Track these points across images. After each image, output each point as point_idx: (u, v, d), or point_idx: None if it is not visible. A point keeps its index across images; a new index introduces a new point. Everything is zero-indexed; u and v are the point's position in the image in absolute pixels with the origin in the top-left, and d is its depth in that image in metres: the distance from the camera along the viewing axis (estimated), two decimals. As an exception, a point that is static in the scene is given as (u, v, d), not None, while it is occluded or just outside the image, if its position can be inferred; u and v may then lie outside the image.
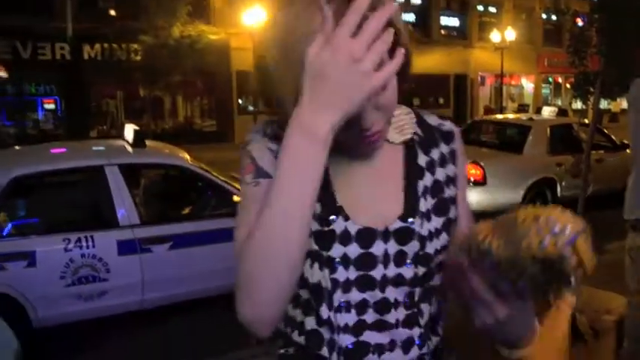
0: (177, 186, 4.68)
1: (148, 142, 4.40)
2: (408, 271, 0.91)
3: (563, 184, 7.33)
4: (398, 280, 0.91)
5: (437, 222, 0.95)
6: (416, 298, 0.93)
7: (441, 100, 25.38)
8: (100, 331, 3.80)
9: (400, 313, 0.92)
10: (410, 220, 0.92)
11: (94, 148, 4.67)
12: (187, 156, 4.39)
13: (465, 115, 25.13)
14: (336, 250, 0.89)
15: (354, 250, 0.89)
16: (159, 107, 18.03)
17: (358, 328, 0.91)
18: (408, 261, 0.91)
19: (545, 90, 31.55)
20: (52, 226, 3.74)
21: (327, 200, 0.90)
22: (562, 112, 8.63)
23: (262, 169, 0.90)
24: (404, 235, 0.91)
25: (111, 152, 4.17)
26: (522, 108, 24.32)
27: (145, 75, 14.86)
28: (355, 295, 0.90)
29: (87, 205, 4.03)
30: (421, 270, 0.92)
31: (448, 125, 1.04)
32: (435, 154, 1.00)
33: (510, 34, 24.95)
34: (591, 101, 3.55)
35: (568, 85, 25.69)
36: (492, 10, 27.36)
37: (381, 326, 0.91)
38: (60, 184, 4.29)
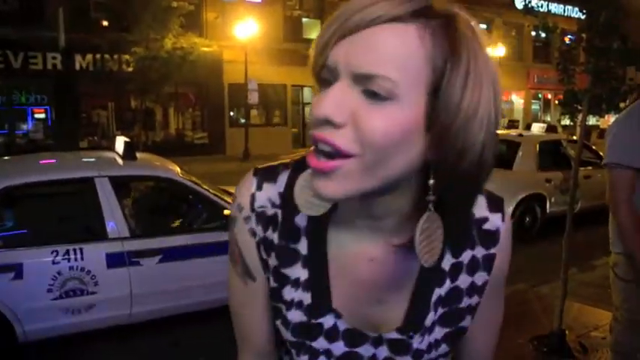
0: (167, 199, 4.67)
1: (138, 155, 4.39)
2: None
3: (553, 200, 7.38)
4: None
5: (440, 333, 0.82)
6: None
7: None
8: (88, 342, 3.76)
9: None
10: (410, 334, 0.80)
11: (84, 159, 4.65)
12: (178, 169, 4.38)
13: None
14: (320, 343, 0.81)
15: (339, 347, 0.81)
16: (150, 119, 18.00)
17: None
18: None
19: (535, 106, 31.89)
20: (40, 238, 3.70)
21: (320, 296, 0.79)
22: (551, 128, 8.72)
23: (250, 271, 0.83)
24: (398, 347, 0.81)
25: (101, 164, 4.15)
26: (512, 124, 24.54)
27: (136, 86, 14.87)
28: None
29: (76, 217, 4.00)
30: None
31: (495, 222, 0.82)
32: (467, 256, 0.81)
33: (500, 51, 25.26)
34: (579, 118, 3.59)
35: (557, 102, 26.00)
36: (483, 26, 27.44)
37: None
38: (49, 196, 4.26)
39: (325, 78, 0.65)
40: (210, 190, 4.24)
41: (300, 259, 0.79)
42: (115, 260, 3.65)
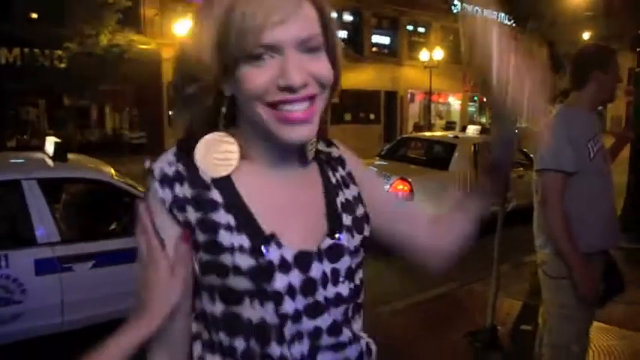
0: (101, 202, 4.50)
1: (70, 156, 4.22)
2: (344, 288, 0.91)
3: (486, 199, 7.66)
4: (338, 299, 0.91)
5: (357, 239, 0.95)
6: (350, 315, 0.93)
7: (372, 116, 25.94)
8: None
9: (349, 332, 0.92)
10: (337, 235, 0.92)
11: (12, 160, 4.42)
12: (112, 170, 4.24)
13: (394, 130, 25.79)
14: (280, 282, 0.85)
15: (296, 277, 0.86)
16: (85, 117, 17.33)
17: (313, 354, 0.88)
18: (341, 278, 0.91)
19: (471, 108, 32.99)
20: (-38, 244, 3.49)
21: (252, 230, 0.85)
22: (485, 130, 9.05)
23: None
24: (335, 253, 0.91)
25: (29, 166, 3.96)
26: (450, 125, 25.31)
27: (69, 83, 14.25)
28: (307, 324, 0.87)
29: (2, 222, 3.79)
30: (352, 285, 0.93)
31: (336, 152, 1.04)
32: (338, 176, 1.01)
33: (438, 54, 25.97)
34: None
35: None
36: (421, 30, 28.39)
37: (335, 348, 0.90)
38: (-28, 199, 4.02)
39: (259, 54, 0.80)
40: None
41: (221, 205, 0.86)
42: (44, 267, 3.48)
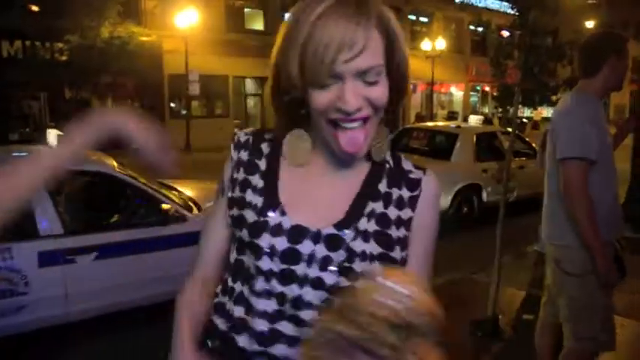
0: (103, 194, 4.51)
1: (72, 148, 4.21)
2: (329, 277, 0.97)
3: (489, 189, 7.66)
4: (317, 283, 0.97)
5: (375, 249, 0.98)
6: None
7: (375, 107, 25.86)
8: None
9: (314, 313, 0.95)
10: (344, 230, 0.98)
11: (14, 153, 4.42)
12: (114, 162, 4.24)
13: (397, 121, 25.71)
14: (265, 240, 0.98)
15: (281, 243, 0.97)
16: (86, 110, 17.30)
17: (275, 317, 0.98)
18: (332, 268, 0.96)
19: (474, 98, 32.91)
20: (-35, 237, 3.50)
21: (269, 195, 1.02)
22: (487, 120, 9.03)
23: (223, 188, 1.10)
24: (333, 242, 0.97)
25: (31, 159, 3.96)
26: (452, 115, 25.25)
27: (71, 76, 14.25)
28: (276, 287, 0.98)
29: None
30: (344, 282, 0.94)
31: (418, 174, 1.08)
32: (395, 194, 1.05)
33: (441, 44, 25.86)
34: (511, 111, 3.73)
35: (493, 95, 26.90)
36: (424, 19, 28.26)
37: (297, 321, 0.98)
38: (-25, 192, 4.02)
39: (326, 81, 0.91)
40: (149, 185, 4.14)
41: (259, 172, 1.05)
42: (47, 259, 3.50)
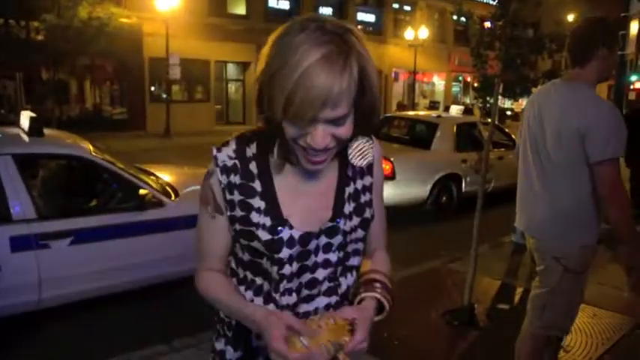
0: (78, 178, 4.43)
1: (47, 131, 4.12)
2: (333, 256, 1.24)
3: (468, 179, 7.72)
4: (326, 263, 1.24)
5: (355, 221, 1.26)
6: (338, 274, 1.27)
7: (357, 95, 25.82)
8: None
9: (324, 286, 1.25)
10: (337, 220, 1.22)
11: (-15, 135, 4.31)
12: (90, 146, 4.15)
13: (379, 109, 25.76)
14: (284, 253, 1.18)
15: (296, 250, 1.19)
16: (64, 92, 16.97)
17: (295, 305, 1.22)
18: (333, 248, 1.23)
19: (456, 88, 33.08)
20: None
21: (275, 213, 1.18)
22: (467, 110, 9.05)
23: (219, 207, 1.21)
24: (332, 232, 1.22)
25: (3, 141, 3.87)
26: (433, 105, 25.31)
27: (47, 57, 13.91)
28: (295, 283, 1.22)
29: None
30: (341, 254, 1.25)
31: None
32: (357, 167, 1.28)
33: (423, 33, 25.89)
34: (491, 102, 3.74)
35: (474, 85, 27.04)
36: (407, 8, 28.23)
37: (309, 299, 1.24)
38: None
39: (303, 121, 1.03)
40: (125, 169, 4.07)
41: (258, 194, 1.19)
42: (20, 244, 3.43)
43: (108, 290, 3.85)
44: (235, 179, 1.18)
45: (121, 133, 16.35)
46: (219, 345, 1.32)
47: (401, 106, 26.58)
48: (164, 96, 18.33)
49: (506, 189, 7.89)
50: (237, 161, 1.19)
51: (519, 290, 4.64)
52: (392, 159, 6.95)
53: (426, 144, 7.70)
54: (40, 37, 14.18)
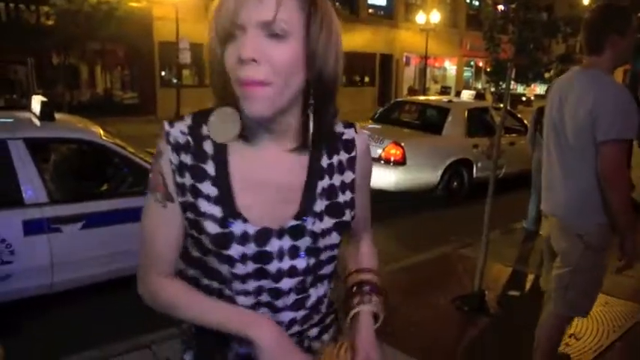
0: (90, 162, 4.45)
1: (58, 116, 4.14)
2: (301, 262, 1.05)
3: (479, 165, 7.66)
4: (292, 272, 1.05)
5: (329, 222, 1.06)
6: (307, 285, 1.08)
7: (367, 79, 25.70)
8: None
9: (290, 299, 1.07)
10: (303, 218, 1.03)
11: (-1, 120, 4.33)
12: (101, 130, 4.17)
13: (389, 94, 25.61)
14: (235, 250, 0.99)
15: (250, 248, 1.00)
16: (75, 77, 17.01)
17: (253, 307, 1.05)
18: (301, 253, 1.04)
19: (467, 73, 32.73)
20: (-52, 204, 3.45)
21: (227, 204, 1.00)
22: (479, 95, 8.97)
23: (170, 195, 1.02)
24: (297, 232, 1.03)
25: (15, 125, 3.89)
26: (445, 90, 25.14)
27: (57, 41, 13.92)
28: (252, 284, 1.04)
29: (-11, 182, 3.74)
30: (312, 261, 1.06)
31: (350, 133, 1.13)
32: (336, 160, 1.10)
33: (435, 17, 25.56)
34: (504, 86, 3.69)
35: (486, 70, 26.71)
36: (418, -9, 27.84)
37: (272, 308, 1.06)
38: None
39: (233, 33, 0.91)
40: (136, 154, 4.08)
41: (209, 178, 1.00)
42: (32, 227, 3.46)
43: (118, 274, 3.88)
44: (187, 159, 1.00)
45: (131, 117, 16.37)
46: (188, 357, 1.13)
47: (412, 91, 26.38)
48: (174, 81, 18.32)
49: (518, 175, 7.86)
50: (189, 137, 1.00)
51: (530, 277, 4.61)
52: (403, 144, 6.91)
53: (437, 129, 7.65)
54: (50, 22, 14.22)
